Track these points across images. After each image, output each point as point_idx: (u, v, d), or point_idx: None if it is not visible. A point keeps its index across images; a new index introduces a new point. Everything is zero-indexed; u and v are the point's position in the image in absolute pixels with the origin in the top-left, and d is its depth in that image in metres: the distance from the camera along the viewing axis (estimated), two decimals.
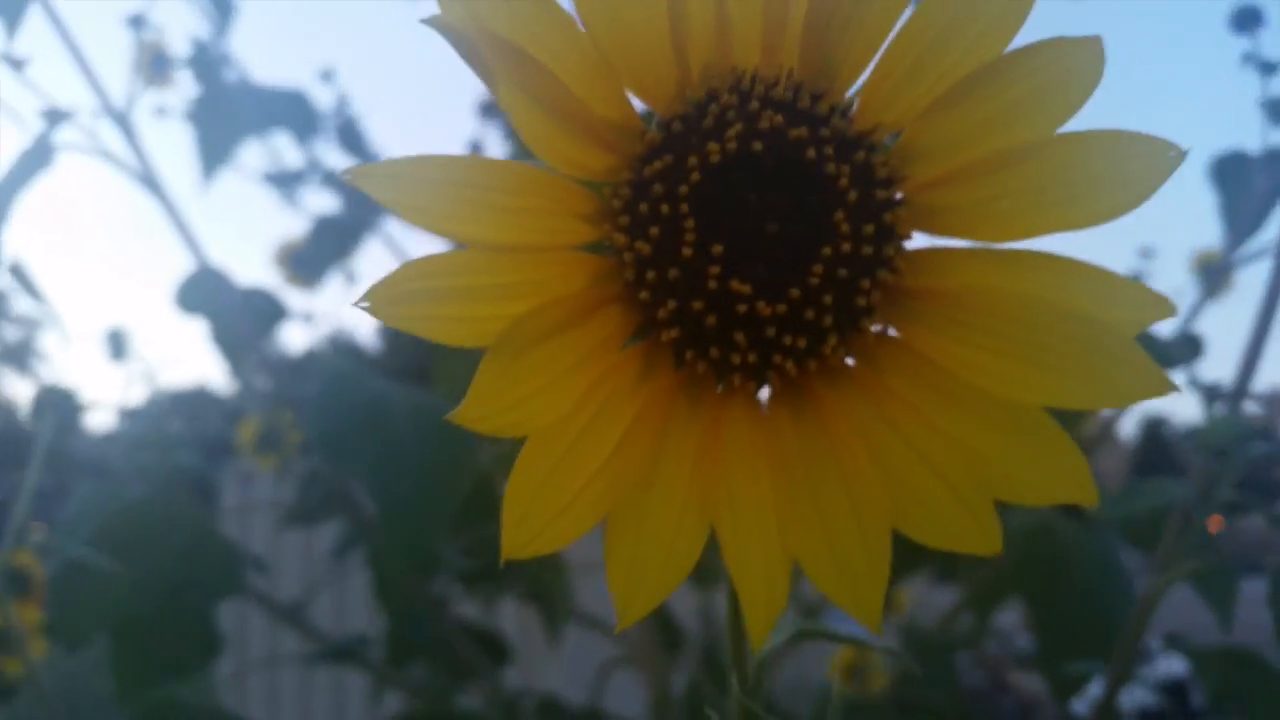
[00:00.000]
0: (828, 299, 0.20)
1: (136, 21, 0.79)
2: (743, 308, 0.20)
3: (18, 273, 0.69)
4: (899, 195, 0.21)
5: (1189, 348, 0.58)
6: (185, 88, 1.01)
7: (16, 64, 0.74)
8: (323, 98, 1.08)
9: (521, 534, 0.19)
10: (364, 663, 0.88)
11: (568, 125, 0.20)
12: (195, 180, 0.84)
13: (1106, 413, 0.86)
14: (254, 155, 1.19)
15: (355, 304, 0.18)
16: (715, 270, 0.20)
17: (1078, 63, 0.20)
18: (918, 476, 0.20)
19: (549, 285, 0.20)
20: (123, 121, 0.73)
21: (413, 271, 0.19)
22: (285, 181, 1.01)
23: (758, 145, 0.20)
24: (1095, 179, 0.20)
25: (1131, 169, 0.20)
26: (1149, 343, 0.55)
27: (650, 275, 0.20)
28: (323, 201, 1.09)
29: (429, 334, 0.18)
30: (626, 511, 0.20)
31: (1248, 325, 0.48)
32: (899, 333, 0.21)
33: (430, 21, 0.18)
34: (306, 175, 1.06)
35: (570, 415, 0.20)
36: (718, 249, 0.20)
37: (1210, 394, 0.48)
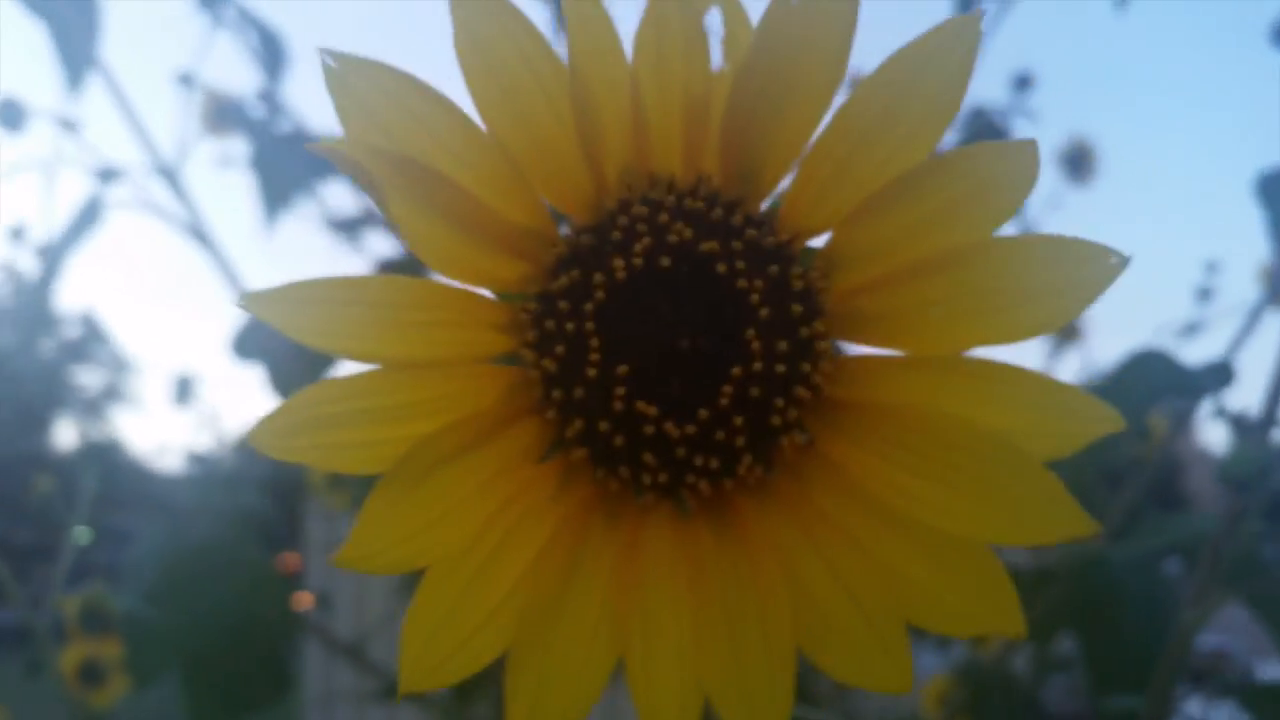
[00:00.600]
0: (738, 420, 0.19)
1: (186, 79, 0.83)
2: (650, 429, 0.19)
3: (89, 323, 0.73)
4: (819, 308, 0.20)
5: (1219, 376, 0.55)
6: (242, 137, 1.05)
7: (70, 125, 0.78)
8: None
9: (422, 667, 0.19)
10: (425, 700, 0.90)
11: (474, 236, 0.19)
12: (254, 227, 0.88)
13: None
14: (315, 201, 1.23)
15: (244, 441, 0.18)
16: (620, 391, 0.19)
17: (1012, 166, 0.19)
18: (832, 601, 0.20)
19: (459, 401, 0.19)
20: (172, 176, 0.76)
21: (306, 399, 0.18)
22: (345, 227, 1.03)
23: (665, 261, 0.19)
24: (1033, 287, 0.19)
25: (1071, 276, 0.19)
26: (1178, 371, 0.53)
27: (556, 394, 0.20)
28: (384, 246, 1.12)
29: (323, 464, 0.18)
30: (533, 641, 0.20)
31: (1276, 349, 0.46)
32: (823, 445, 0.20)
33: (315, 148, 0.18)
34: (366, 220, 1.09)
35: (478, 537, 0.19)
36: (623, 369, 0.19)
37: (1237, 423, 0.46)
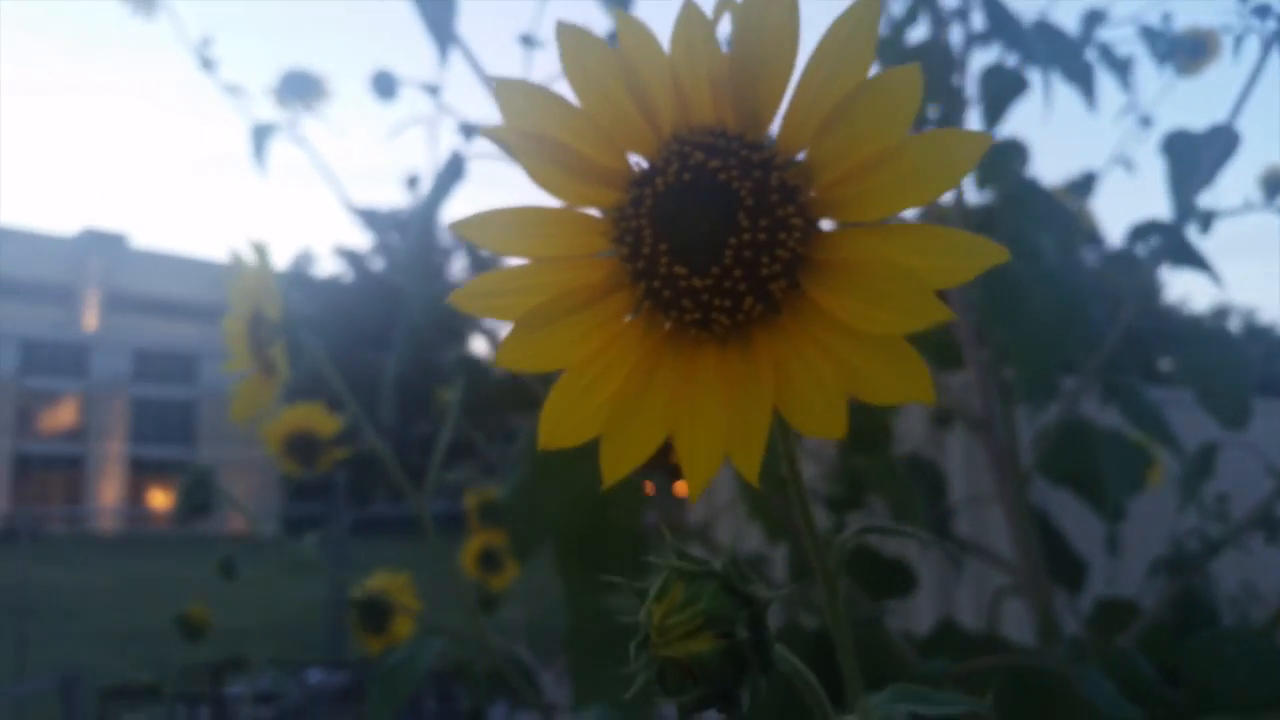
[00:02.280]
0: (738, 273, 0.31)
1: (527, 39, 1.03)
2: (683, 283, 0.31)
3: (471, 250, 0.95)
4: (792, 198, 0.31)
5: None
6: None
7: (433, 90, 0.99)
8: None
9: (553, 435, 0.33)
10: (767, 582, 1.05)
11: (578, 175, 0.33)
12: None
13: None
14: None
15: (447, 300, 0.33)
16: (664, 260, 0.32)
17: (902, 88, 0.30)
18: (805, 385, 0.31)
19: (578, 278, 0.34)
20: None
21: (489, 280, 0.34)
22: None
23: (686, 176, 0.32)
24: (931, 166, 0.30)
25: (952, 156, 0.29)
26: None
27: (630, 268, 0.33)
28: None
29: (497, 315, 0.34)
30: (620, 423, 0.33)
31: None
32: (808, 290, 0.32)
33: (486, 133, 0.33)
34: None
35: (591, 360, 0.33)
36: (664, 246, 0.32)
37: None
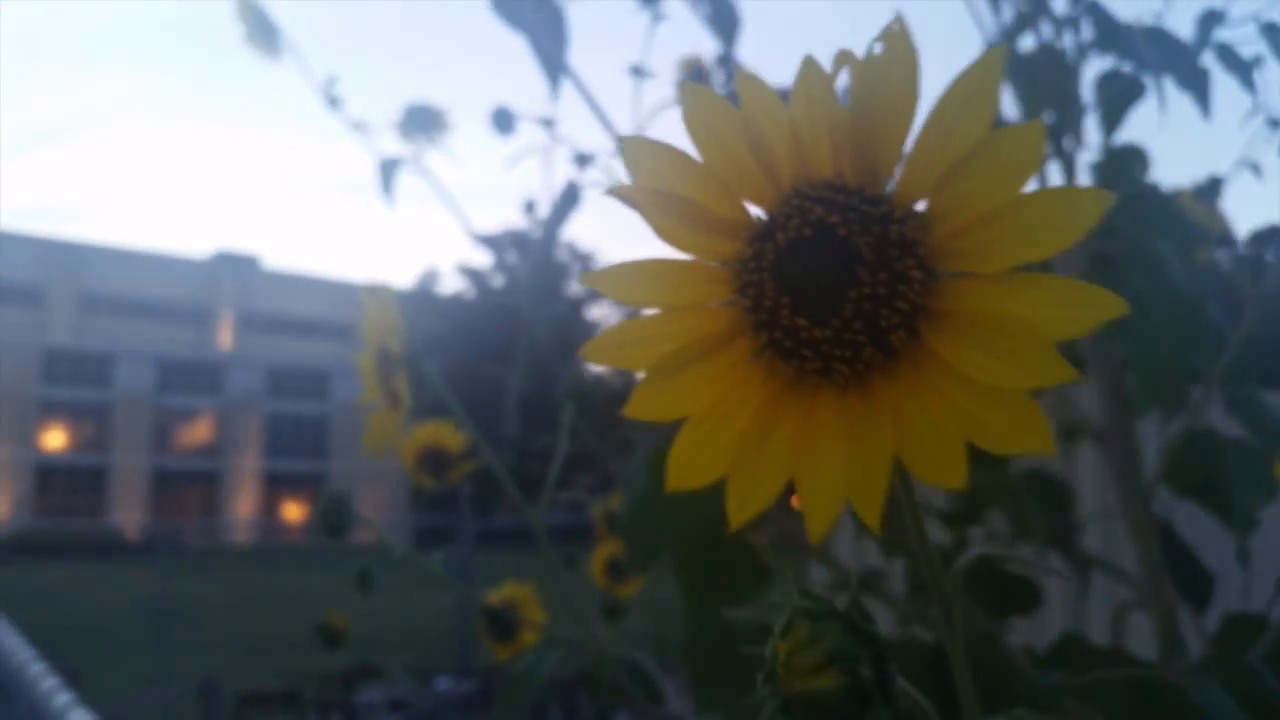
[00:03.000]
0: (857, 325, 0.32)
1: (637, 70, 1.05)
2: (804, 334, 0.32)
3: (585, 264, 0.98)
4: (910, 251, 0.32)
5: None
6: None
7: (549, 123, 1.02)
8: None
9: (681, 477, 0.34)
10: (883, 596, 1.05)
11: (701, 228, 0.34)
12: None
13: None
14: None
15: (579, 353, 0.35)
16: (785, 313, 0.33)
17: (1022, 145, 0.30)
18: (923, 432, 0.31)
19: (701, 327, 0.35)
20: None
21: (618, 331, 0.35)
22: None
23: (807, 231, 0.33)
24: (1048, 222, 0.30)
25: (1070, 214, 0.30)
26: None
27: (752, 319, 0.34)
28: None
29: (626, 365, 0.35)
30: (742, 467, 0.34)
31: None
32: (928, 339, 0.32)
33: (613, 192, 0.34)
34: None
35: (714, 406, 0.34)
36: (785, 300, 0.33)
37: None
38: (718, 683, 1.05)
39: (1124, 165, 1.33)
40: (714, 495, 0.35)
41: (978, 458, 1.01)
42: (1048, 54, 1.27)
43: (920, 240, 0.32)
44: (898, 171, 0.33)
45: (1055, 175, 1.20)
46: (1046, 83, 1.27)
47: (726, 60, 1.33)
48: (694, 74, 1.46)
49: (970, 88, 0.31)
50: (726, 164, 0.34)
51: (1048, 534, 1.32)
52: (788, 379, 0.34)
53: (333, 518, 0.95)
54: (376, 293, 0.79)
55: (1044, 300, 0.30)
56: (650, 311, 0.36)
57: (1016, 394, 0.31)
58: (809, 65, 0.33)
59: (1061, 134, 1.25)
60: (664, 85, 1.22)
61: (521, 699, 0.97)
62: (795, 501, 0.32)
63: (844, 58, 0.33)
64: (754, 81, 0.33)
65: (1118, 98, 1.26)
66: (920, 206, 0.33)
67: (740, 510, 0.34)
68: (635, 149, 0.34)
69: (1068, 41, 1.27)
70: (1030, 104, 1.26)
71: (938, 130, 0.32)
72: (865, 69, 0.32)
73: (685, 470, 0.34)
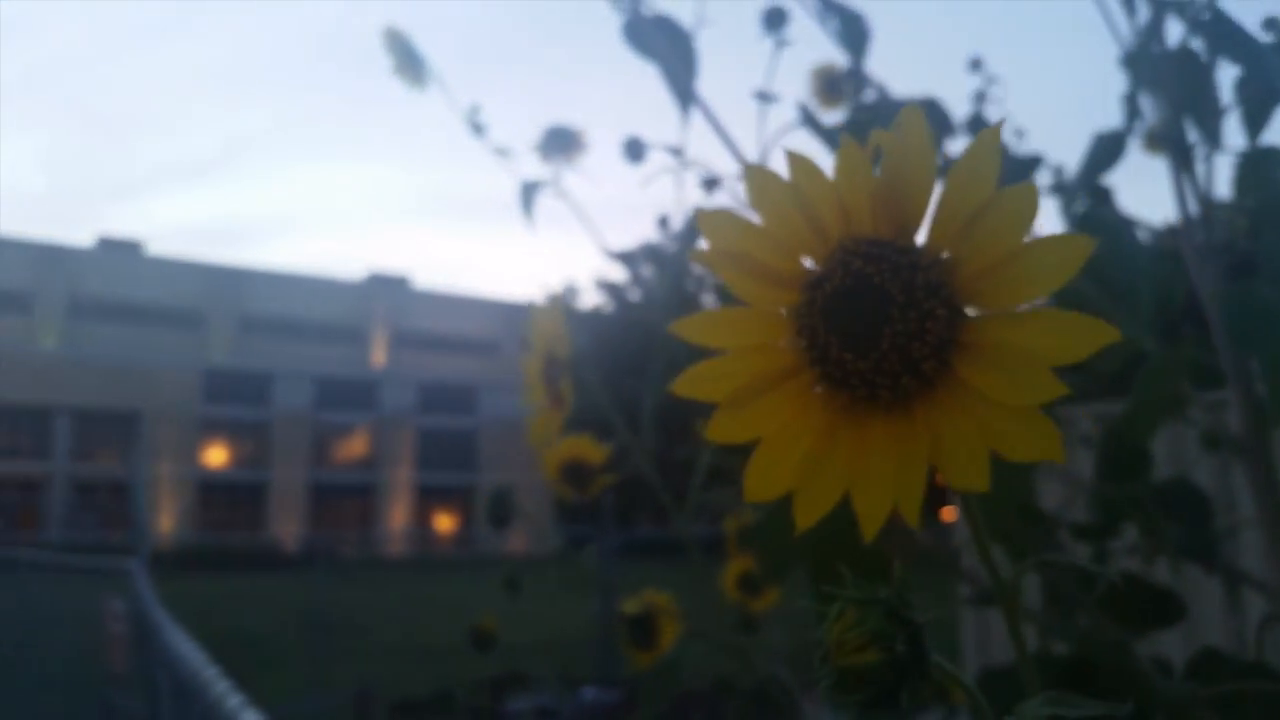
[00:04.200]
0: (893, 357, 0.38)
1: (763, 95, 1.12)
2: (850, 367, 0.39)
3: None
4: (936, 292, 0.38)
5: None
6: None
7: (678, 151, 1.10)
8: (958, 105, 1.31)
9: (755, 490, 0.41)
10: (1020, 610, 1.08)
11: (765, 282, 0.41)
12: None
13: None
14: None
15: (676, 389, 0.42)
16: (834, 350, 0.40)
17: (1021, 204, 0.37)
18: (955, 443, 0.38)
19: (769, 364, 0.42)
20: None
21: (697, 370, 0.43)
22: None
23: (849, 281, 0.40)
24: (1046, 265, 0.37)
25: (1065, 257, 0.37)
26: None
27: (809, 356, 0.41)
28: None
29: (706, 397, 0.42)
30: (807, 481, 0.41)
31: None
32: (957, 368, 0.39)
33: (695, 257, 0.42)
34: None
35: (782, 429, 0.42)
36: (834, 338, 0.40)
37: None
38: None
39: (1265, 169, 1.33)
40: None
41: (1115, 471, 1.05)
42: (1182, 56, 1.28)
43: (944, 283, 0.39)
44: (926, 227, 0.39)
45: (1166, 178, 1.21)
46: (1183, 87, 1.29)
47: (856, 73, 1.38)
48: (827, 84, 1.51)
49: (978, 156, 0.38)
50: (783, 227, 0.41)
51: (1185, 546, 1.33)
52: (842, 405, 0.41)
53: (499, 509, 1.05)
54: (546, 304, 0.87)
55: (1047, 331, 0.37)
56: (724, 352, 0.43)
57: (1031, 409, 0.37)
58: (849, 146, 0.40)
59: (1182, 135, 1.26)
60: (788, 108, 1.28)
61: (663, 692, 1.04)
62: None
63: (877, 137, 0.40)
64: (803, 161, 0.40)
65: (1261, 99, 1.26)
66: (944, 255, 0.40)
67: (805, 516, 0.41)
68: (709, 220, 0.42)
69: (1200, 44, 1.28)
70: (1168, 107, 1.27)
71: (954, 192, 0.38)
72: (891, 144, 0.39)
73: (760, 484, 0.42)
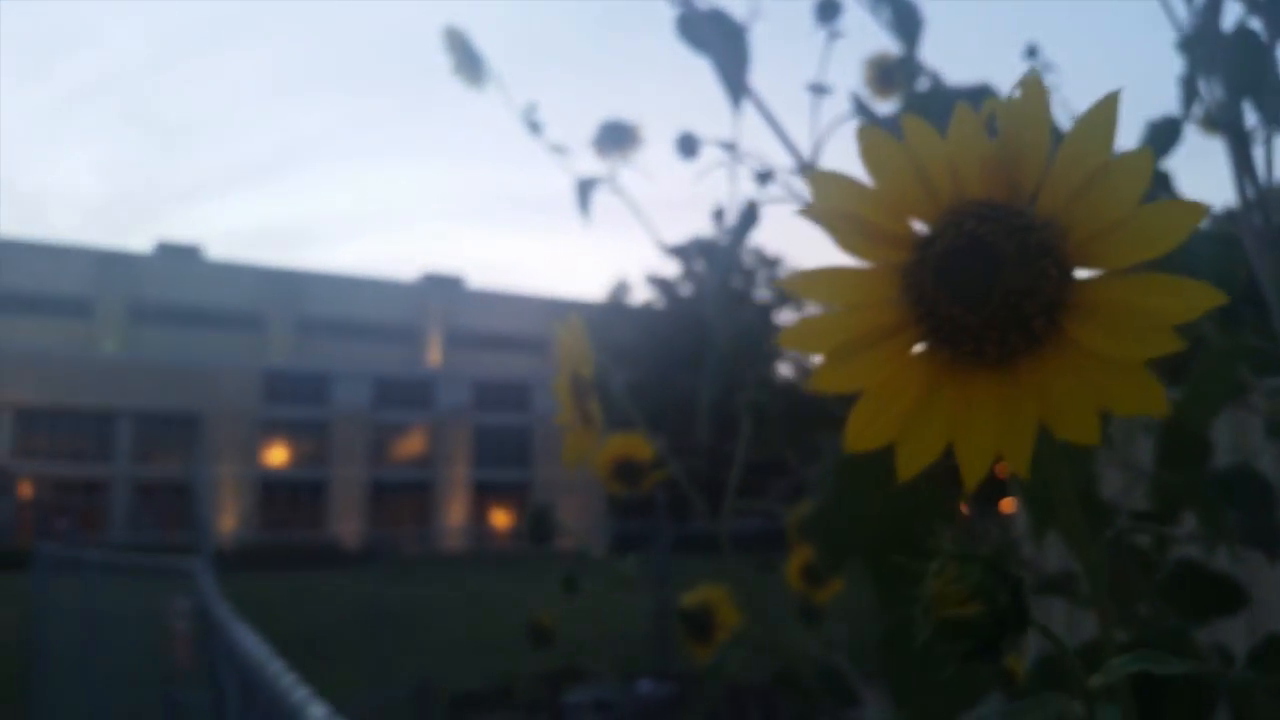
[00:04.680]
0: (1004, 313, 0.39)
1: (817, 87, 1.13)
2: (960, 323, 0.40)
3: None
4: (1049, 252, 0.39)
5: None
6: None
7: (729, 146, 1.11)
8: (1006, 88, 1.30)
9: (856, 440, 0.42)
10: (1073, 596, 1.08)
11: (875, 240, 0.42)
12: None
13: None
14: None
15: (778, 340, 0.43)
16: (944, 305, 0.41)
17: (1134, 169, 0.37)
18: (1063, 399, 0.39)
19: (876, 319, 0.43)
20: (810, 171, 1.05)
21: (810, 324, 0.44)
22: None
23: (960, 240, 0.40)
24: (1158, 228, 0.38)
25: (1177, 220, 0.37)
26: None
27: (915, 311, 0.42)
28: None
29: (814, 350, 0.43)
30: (909, 433, 0.42)
31: None
32: (1066, 326, 0.40)
33: (802, 213, 0.43)
34: None
35: (885, 384, 0.43)
36: (945, 294, 0.41)
37: None
38: (911, 676, 1.10)
39: None
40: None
41: (1175, 458, 1.05)
42: (1240, 37, 1.27)
43: (1056, 245, 0.40)
44: (1038, 191, 0.40)
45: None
46: (1239, 67, 1.27)
47: (909, 61, 1.38)
48: (880, 73, 1.51)
49: (1095, 121, 0.39)
50: (894, 188, 0.42)
51: (1247, 534, 1.32)
52: (945, 362, 0.42)
53: (538, 526, 1.07)
54: (568, 322, 0.89)
55: (1157, 292, 0.38)
56: (831, 308, 0.44)
57: (1137, 366, 0.38)
58: (962, 110, 0.41)
59: (1240, 117, 1.24)
60: (841, 100, 1.28)
61: (713, 691, 1.05)
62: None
63: (991, 104, 0.41)
64: (917, 123, 0.41)
65: None
66: (1056, 219, 0.40)
67: (907, 467, 0.42)
68: (820, 180, 0.43)
69: (1259, 24, 1.26)
70: (1226, 89, 1.26)
71: (1069, 156, 0.39)
72: (1008, 110, 0.40)
73: (861, 435, 0.43)
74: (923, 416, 0.42)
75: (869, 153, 0.42)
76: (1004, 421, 0.40)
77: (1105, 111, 0.39)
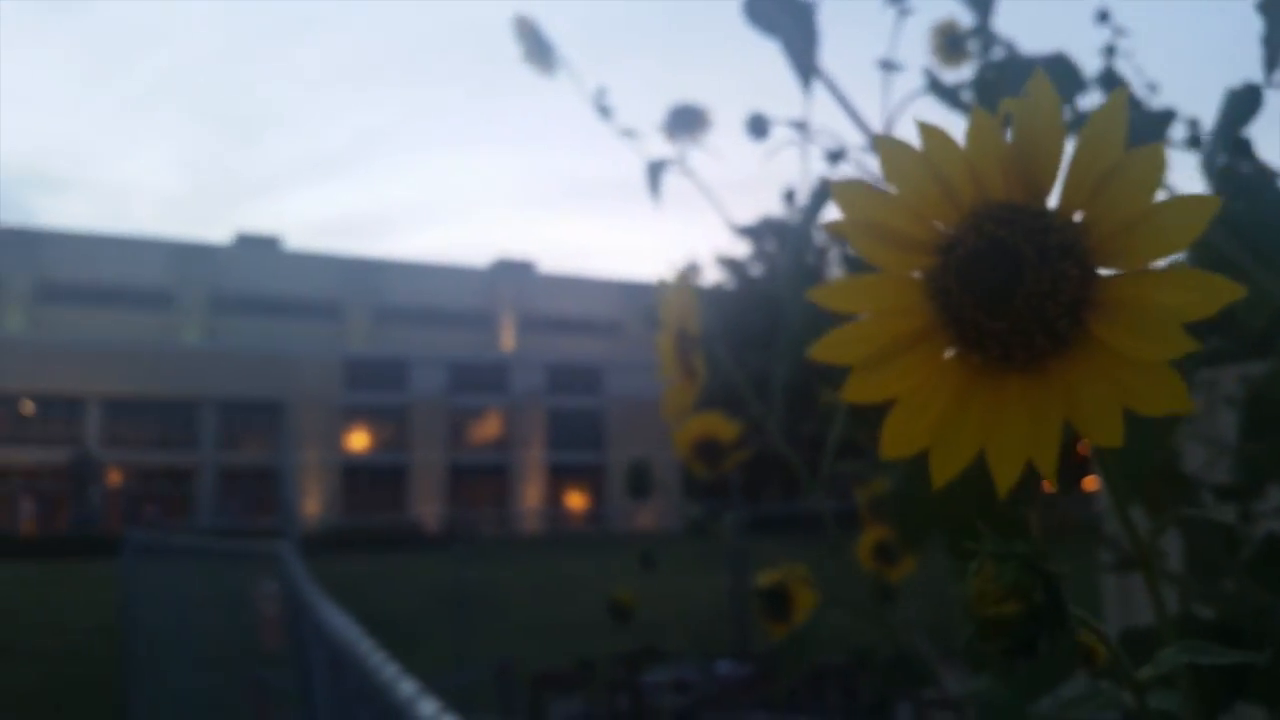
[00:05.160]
0: (1027, 316, 0.39)
1: (887, 64, 1.12)
2: (985, 327, 0.41)
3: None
4: (1069, 253, 0.39)
5: None
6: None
7: (799, 125, 1.11)
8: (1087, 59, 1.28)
9: (891, 448, 0.43)
10: (1164, 574, 1.07)
11: (898, 247, 0.43)
12: None
13: None
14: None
15: (814, 353, 0.44)
16: (968, 310, 0.41)
17: (1147, 163, 0.37)
18: (1088, 399, 0.39)
19: (903, 325, 0.43)
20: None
21: (841, 334, 0.44)
22: None
23: (983, 243, 0.41)
24: (1175, 224, 0.38)
25: (1192, 214, 0.37)
26: None
27: (942, 317, 0.42)
28: None
29: (843, 361, 0.44)
30: (942, 439, 0.42)
31: None
32: (1089, 325, 0.40)
33: (828, 227, 0.43)
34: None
35: (916, 390, 0.43)
36: (968, 299, 0.41)
37: None
38: (992, 658, 1.10)
39: None
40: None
41: (1260, 431, 1.03)
42: None
43: (1077, 244, 0.40)
44: (1057, 191, 0.41)
45: None
46: None
47: (982, 31, 1.36)
48: (949, 41, 1.49)
49: (1106, 119, 0.39)
50: (916, 195, 0.43)
51: None
52: (975, 366, 0.43)
53: (638, 481, 1.08)
54: (676, 280, 0.89)
55: (1178, 288, 0.38)
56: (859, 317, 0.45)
57: (1162, 365, 0.38)
58: (979, 115, 0.41)
59: None
60: (911, 76, 1.27)
61: (802, 655, 1.05)
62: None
63: (1006, 105, 0.41)
64: (935, 131, 0.42)
65: None
66: (1076, 217, 0.41)
67: (942, 472, 0.42)
68: (844, 191, 0.44)
69: None
70: None
71: (1084, 155, 0.39)
72: (1021, 112, 0.40)
73: (896, 443, 0.43)
74: (955, 422, 0.43)
75: (890, 162, 0.43)
76: (1033, 425, 0.41)
77: (1116, 109, 0.39)
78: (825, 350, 0.45)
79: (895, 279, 0.44)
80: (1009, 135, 0.41)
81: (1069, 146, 0.40)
